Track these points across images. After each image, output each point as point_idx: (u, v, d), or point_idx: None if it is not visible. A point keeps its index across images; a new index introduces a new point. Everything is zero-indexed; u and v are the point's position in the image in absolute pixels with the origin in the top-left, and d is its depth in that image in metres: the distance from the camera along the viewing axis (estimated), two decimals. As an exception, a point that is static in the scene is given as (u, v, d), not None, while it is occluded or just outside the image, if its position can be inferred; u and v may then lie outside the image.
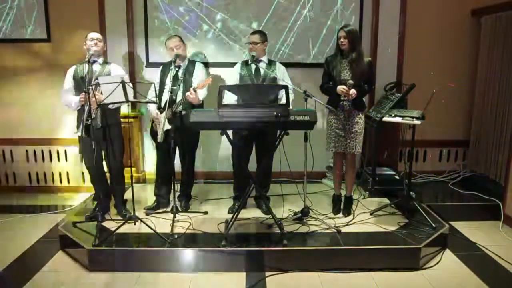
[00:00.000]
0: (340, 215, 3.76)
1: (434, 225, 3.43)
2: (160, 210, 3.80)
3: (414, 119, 3.59)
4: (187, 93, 3.46)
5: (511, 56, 4.32)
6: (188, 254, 3.13)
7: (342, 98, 3.51)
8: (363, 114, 3.63)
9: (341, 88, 3.44)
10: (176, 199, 3.67)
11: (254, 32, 3.69)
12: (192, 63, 3.75)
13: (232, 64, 3.83)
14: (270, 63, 3.73)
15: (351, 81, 3.42)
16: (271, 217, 3.40)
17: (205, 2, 4.54)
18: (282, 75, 3.66)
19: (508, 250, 3.36)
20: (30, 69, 4.63)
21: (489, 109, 4.65)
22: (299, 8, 4.60)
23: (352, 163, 3.73)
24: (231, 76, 3.74)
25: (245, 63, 3.73)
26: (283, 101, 3.46)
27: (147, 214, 3.72)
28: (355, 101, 3.50)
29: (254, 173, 3.70)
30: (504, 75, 4.43)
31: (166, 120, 3.54)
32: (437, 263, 3.22)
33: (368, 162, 4.51)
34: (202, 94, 3.58)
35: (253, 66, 3.67)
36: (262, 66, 3.65)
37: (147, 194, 4.04)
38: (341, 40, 3.45)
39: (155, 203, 3.86)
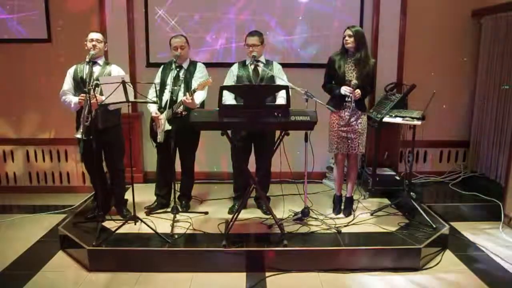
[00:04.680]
0: (341, 215, 3.76)
1: (434, 226, 3.43)
2: (160, 210, 3.80)
3: (415, 119, 3.59)
4: (183, 98, 3.45)
5: (511, 56, 4.32)
6: (188, 254, 3.13)
7: (346, 99, 3.50)
8: (365, 115, 3.63)
9: (345, 88, 3.43)
10: (176, 199, 3.66)
11: (253, 34, 3.63)
12: (193, 63, 3.74)
13: (231, 65, 3.82)
14: (267, 63, 3.73)
15: (355, 81, 3.42)
16: (272, 217, 3.41)
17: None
18: (278, 73, 3.65)
19: (509, 250, 3.36)
20: (30, 69, 4.62)
21: (489, 110, 4.65)
22: (299, 8, 4.61)
23: (354, 164, 3.73)
24: (229, 77, 3.73)
25: (243, 64, 3.72)
26: (280, 100, 3.48)
27: (147, 214, 3.72)
28: (359, 101, 3.49)
29: (254, 173, 3.70)
30: (504, 75, 4.43)
31: (166, 121, 3.54)
32: (438, 263, 3.21)
33: (369, 162, 4.51)
34: (200, 97, 3.56)
35: (251, 67, 3.67)
36: (260, 66, 3.65)
37: (147, 194, 4.03)
38: (346, 38, 3.44)
39: (155, 204, 3.86)
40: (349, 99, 3.47)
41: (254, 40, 3.60)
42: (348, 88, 3.42)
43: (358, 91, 3.40)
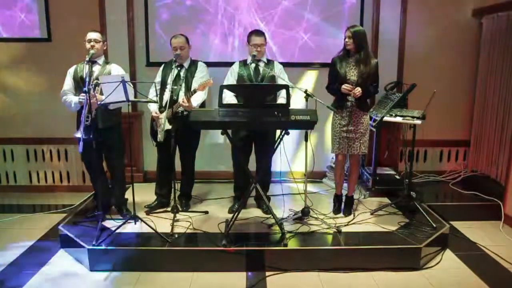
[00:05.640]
0: (341, 215, 3.75)
1: (434, 225, 3.43)
2: (161, 210, 3.80)
3: (415, 119, 3.58)
4: (180, 101, 3.45)
5: (511, 56, 4.31)
6: (188, 254, 3.13)
7: (348, 98, 3.49)
8: (367, 115, 3.62)
9: (345, 86, 3.43)
10: (176, 198, 3.66)
11: (259, 34, 3.62)
12: (194, 63, 3.74)
13: (231, 64, 3.82)
14: (268, 62, 3.73)
15: (353, 78, 3.42)
16: (272, 216, 3.40)
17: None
18: (279, 72, 3.65)
19: (509, 250, 3.36)
20: (30, 69, 4.62)
21: (490, 109, 4.65)
22: (300, 8, 4.61)
23: (356, 164, 3.72)
24: (230, 75, 3.72)
25: (244, 63, 3.72)
26: (281, 100, 3.48)
27: (147, 214, 3.72)
28: (360, 100, 3.48)
29: (255, 173, 3.70)
30: (504, 75, 4.43)
31: (166, 120, 3.54)
32: (438, 263, 3.22)
33: (369, 161, 4.51)
34: (199, 98, 3.56)
35: (253, 66, 3.66)
36: (261, 65, 3.65)
37: (147, 194, 4.03)
38: (346, 40, 3.44)
39: (156, 203, 3.86)
40: (351, 99, 3.47)
41: (261, 40, 3.59)
42: (348, 85, 3.41)
43: (358, 88, 3.39)
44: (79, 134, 3.23)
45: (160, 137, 3.56)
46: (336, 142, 3.62)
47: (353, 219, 3.66)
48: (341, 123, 3.57)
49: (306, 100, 3.36)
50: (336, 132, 3.61)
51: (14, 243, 3.54)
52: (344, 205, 3.83)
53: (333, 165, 4.07)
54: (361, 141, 3.57)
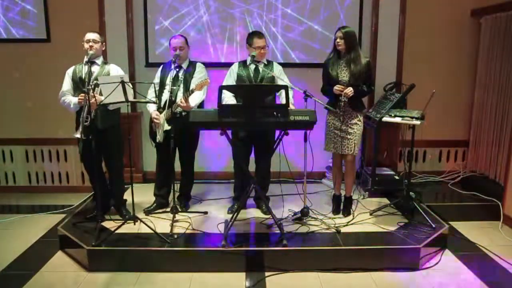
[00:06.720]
0: (340, 215, 3.76)
1: (433, 225, 3.43)
2: (160, 210, 3.80)
3: (414, 119, 3.59)
4: (178, 101, 3.45)
5: (510, 56, 4.32)
6: (187, 254, 3.13)
7: (340, 99, 3.50)
8: (362, 115, 3.62)
9: (336, 87, 3.44)
10: (175, 199, 3.66)
11: (261, 36, 3.61)
12: (192, 64, 3.74)
13: (231, 65, 3.83)
14: (268, 63, 3.73)
15: (345, 79, 3.43)
16: (271, 217, 3.41)
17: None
18: (279, 73, 3.65)
19: (508, 250, 3.37)
20: (29, 69, 4.63)
21: (489, 109, 4.65)
22: (299, 8, 4.62)
23: (352, 164, 3.72)
24: (229, 76, 3.73)
25: (243, 63, 3.72)
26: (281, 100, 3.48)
27: (146, 214, 3.72)
28: (353, 100, 3.49)
29: (254, 173, 3.71)
30: (503, 75, 4.44)
31: (166, 121, 3.54)
32: (437, 263, 3.22)
33: (368, 162, 4.51)
34: (197, 98, 3.56)
35: (252, 67, 3.67)
36: (261, 66, 3.65)
37: (146, 194, 4.03)
38: (337, 40, 3.45)
39: (154, 205, 3.86)
40: (342, 99, 3.47)
41: (264, 42, 3.59)
42: (340, 86, 3.42)
43: (350, 88, 3.39)
44: (78, 135, 3.24)
45: (159, 137, 3.56)
46: (331, 141, 3.62)
47: (353, 219, 3.66)
48: (335, 123, 3.57)
49: (305, 100, 3.37)
50: (330, 131, 3.62)
51: (14, 243, 3.54)
52: (343, 205, 3.83)
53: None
54: (355, 141, 3.57)
